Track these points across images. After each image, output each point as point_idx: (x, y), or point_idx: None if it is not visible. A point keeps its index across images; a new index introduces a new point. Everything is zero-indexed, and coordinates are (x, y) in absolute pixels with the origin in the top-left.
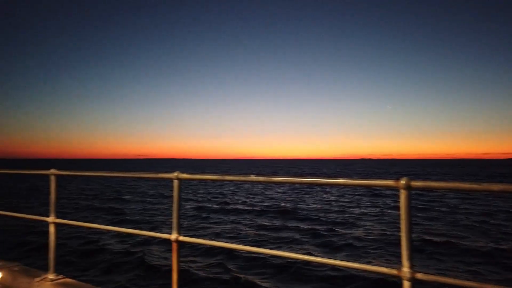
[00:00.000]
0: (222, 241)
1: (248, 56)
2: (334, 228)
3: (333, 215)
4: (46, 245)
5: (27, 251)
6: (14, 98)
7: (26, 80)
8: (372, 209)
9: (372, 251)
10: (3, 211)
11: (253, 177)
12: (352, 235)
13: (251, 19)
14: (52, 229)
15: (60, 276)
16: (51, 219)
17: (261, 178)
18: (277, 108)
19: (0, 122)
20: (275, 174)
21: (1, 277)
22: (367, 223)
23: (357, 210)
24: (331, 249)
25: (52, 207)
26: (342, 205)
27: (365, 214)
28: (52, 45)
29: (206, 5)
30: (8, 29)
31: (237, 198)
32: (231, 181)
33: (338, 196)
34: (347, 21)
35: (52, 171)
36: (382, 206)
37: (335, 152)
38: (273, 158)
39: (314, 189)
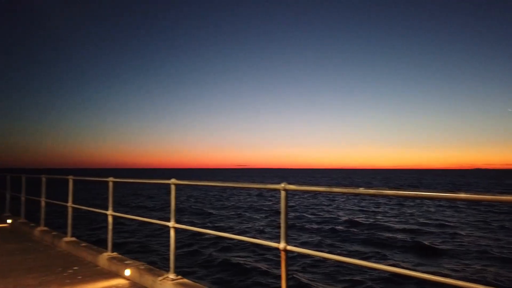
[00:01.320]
0: (331, 253)
1: (345, 65)
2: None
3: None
4: (166, 247)
5: (150, 252)
6: (108, 109)
7: (124, 91)
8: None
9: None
10: (130, 215)
11: (362, 190)
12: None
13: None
14: (172, 233)
15: (179, 277)
16: (171, 224)
17: (371, 191)
18: (376, 113)
19: (105, 132)
20: (385, 186)
21: (130, 275)
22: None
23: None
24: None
25: (172, 213)
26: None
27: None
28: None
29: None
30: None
31: (339, 210)
32: (339, 193)
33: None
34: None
35: (173, 180)
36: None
37: (438, 161)
38: (370, 167)
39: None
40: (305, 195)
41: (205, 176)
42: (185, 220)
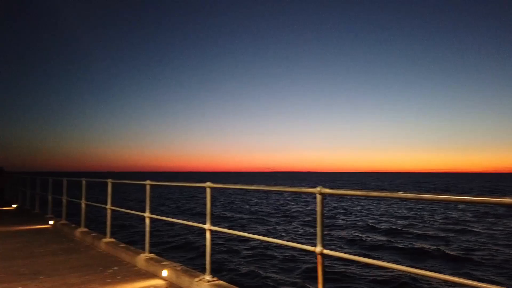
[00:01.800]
0: (368, 258)
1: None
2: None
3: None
4: (202, 249)
5: (186, 254)
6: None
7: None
8: None
9: None
10: (166, 217)
11: (400, 194)
12: None
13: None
14: (208, 235)
15: (215, 278)
16: (207, 226)
17: (410, 195)
18: (409, 116)
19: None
20: (428, 191)
21: (167, 275)
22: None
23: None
24: None
25: (208, 216)
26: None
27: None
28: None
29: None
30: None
31: (379, 214)
32: (376, 197)
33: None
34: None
35: (208, 184)
36: None
37: (473, 165)
38: (403, 171)
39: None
40: (337, 199)
41: (234, 180)
42: (220, 222)
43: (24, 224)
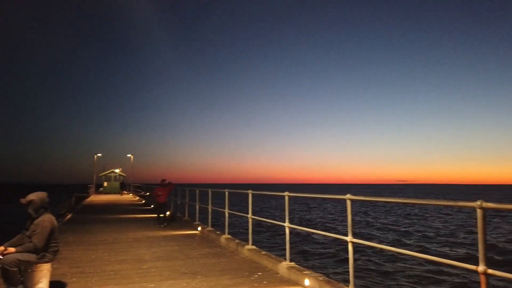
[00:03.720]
0: None
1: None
2: None
3: None
4: (342, 261)
5: (326, 265)
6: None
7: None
8: None
9: None
10: (305, 227)
11: None
12: None
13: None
14: (350, 247)
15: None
16: (349, 238)
17: None
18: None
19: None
20: None
21: (309, 285)
22: None
23: None
24: None
25: (349, 228)
26: None
27: None
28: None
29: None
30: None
31: None
32: None
33: None
34: None
35: (348, 196)
36: None
37: None
38: None
39: None
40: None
41: (364, 192)
42: (362, 233)
43: (178, 229)
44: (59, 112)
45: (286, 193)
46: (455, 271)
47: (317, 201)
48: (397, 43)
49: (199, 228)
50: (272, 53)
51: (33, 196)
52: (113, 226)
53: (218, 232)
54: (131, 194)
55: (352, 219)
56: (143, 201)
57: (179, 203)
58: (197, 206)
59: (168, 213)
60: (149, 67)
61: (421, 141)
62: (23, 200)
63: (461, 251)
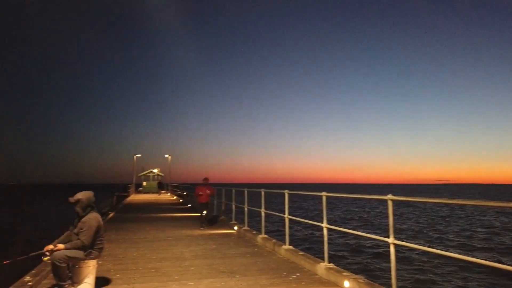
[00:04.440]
0: None
1: None
2: None
3: None
4: (382, 263)
5: (365, 267)
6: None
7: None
8: None
9: None
10: (345, 228)
11: None
12: None
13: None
14: (392, 249)
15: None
16: (391, 240)
17: None
18: None
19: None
20: None
21: (350, 286)
22: None
23: None
24: None
25: (390, 229)
26: None
27: None
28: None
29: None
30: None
31: None
32: None
33: None
34: None
35: (389, 196)
36: None
37: None
38: None
39: None
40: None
41: (404, 193)
42: (404, 236)
43: (215, 228)
44: (101, 116)
45: (323, 193)
46: (498, 275)
47: (355, 202)
48: (446, 38)
49: (236, 228)
50: (316, 50)
51: (80, 195)
52: (153, 225)
53: (254, 232)
54: (169, 194)
55: (393, 220)
56: (181, 201)
57: (215, 203)
58: (233, 206)
59: (204, 212)
60: (185, 73)
61: (466, 140)
62: (71, 199)
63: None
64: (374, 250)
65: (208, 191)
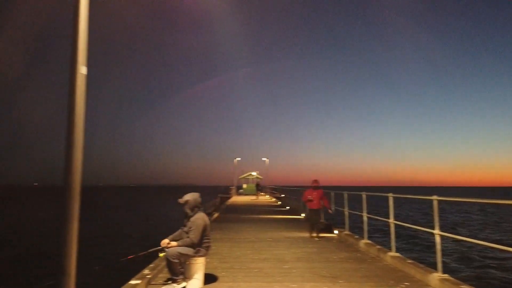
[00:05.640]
0: None
1: None
2: None
3: None
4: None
5: (488, 280)
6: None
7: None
8: None
9: None
10: (462, 236)
11: None
12: None
13: None
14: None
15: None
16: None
17: None
18: None
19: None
20: None
21: None
22: None
23: None
24: None
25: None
26: None
27: None
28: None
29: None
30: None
31: None
32: None
33: None
34: None
35: (435, 197)
36: None
37: None
38: None
39: None
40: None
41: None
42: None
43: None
44: (205, 122)
45: (434, 197)
46: None
47: (474, 206)
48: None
49: (336, 232)
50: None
51: (188, 197)
52: (254, 226)
53: (356, 237)
54: (267, 196)
55: None
56: (279, 203)
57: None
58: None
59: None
60: (289, 78)
61: None
62: (180, 200)
63: None
64: (497, 262)
65: (318, 196)
